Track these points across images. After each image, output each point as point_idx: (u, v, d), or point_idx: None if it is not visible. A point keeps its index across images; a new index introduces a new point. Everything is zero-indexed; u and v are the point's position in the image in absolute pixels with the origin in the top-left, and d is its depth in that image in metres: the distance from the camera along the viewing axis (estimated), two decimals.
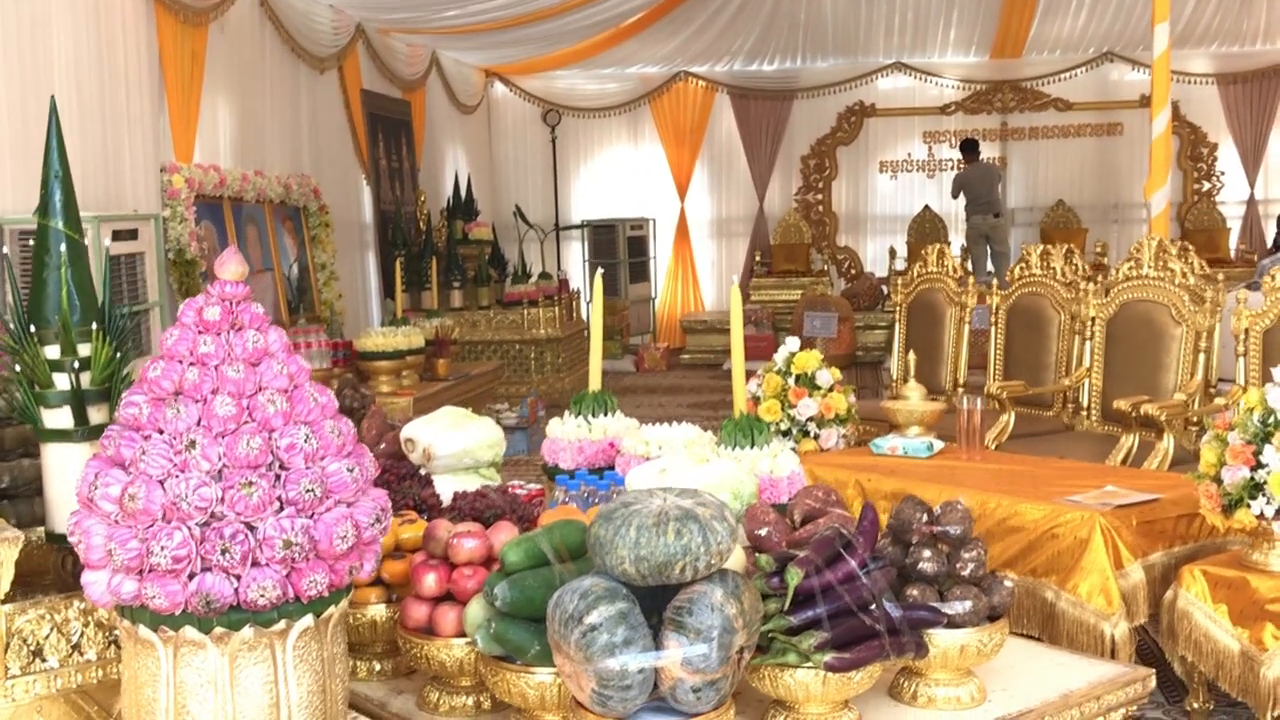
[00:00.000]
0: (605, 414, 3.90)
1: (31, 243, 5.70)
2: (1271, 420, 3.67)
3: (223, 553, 1.80)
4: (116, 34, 7.00)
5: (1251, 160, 14.95)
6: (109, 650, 2.17)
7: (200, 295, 1.93)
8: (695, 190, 15.84)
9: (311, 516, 1.86)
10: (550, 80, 15.62)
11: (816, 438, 5.09)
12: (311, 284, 9.63)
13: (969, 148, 13.84)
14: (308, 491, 1.85)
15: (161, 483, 1.81)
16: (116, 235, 6.31)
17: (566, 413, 3.93)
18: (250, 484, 1.81)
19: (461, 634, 2.61)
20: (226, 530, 1.80)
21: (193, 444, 1.82)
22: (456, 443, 3.70)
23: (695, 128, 15.64)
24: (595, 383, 3.98)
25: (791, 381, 5.13)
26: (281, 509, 1.84)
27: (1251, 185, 15.03)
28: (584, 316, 13.62)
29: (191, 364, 1.88)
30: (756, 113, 15.62)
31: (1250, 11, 13.72)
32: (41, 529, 2.33)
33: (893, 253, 15.04)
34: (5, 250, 2.78)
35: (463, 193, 12.76)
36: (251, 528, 1.82)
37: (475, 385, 9.31)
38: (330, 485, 1.88)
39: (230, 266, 1.93)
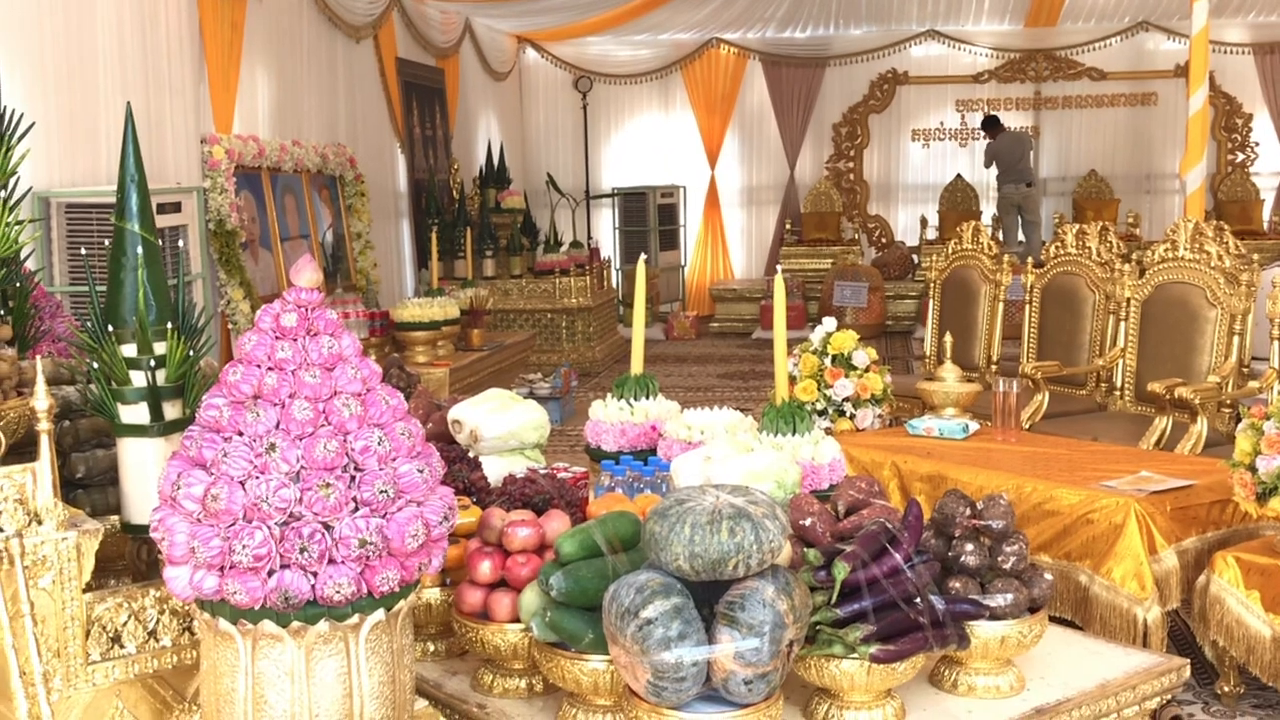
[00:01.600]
0: (647, 397, 3.97)
1: (77, 216, 5.80)
2: None
3: (301, 551, 1.88)
4: (158, 7, 7.07)
5: None
6: (183, 637, 2.26)
7: (277, 302, 2.00)
8: (726, 158, 15.84)
9: (384, 516, 1.93)
10: (582, 47, 15.61)
11: (852, 418, 5.15)
12: (347, 253, 9.72)
13: (990, 124, 13.81)
14: (381, 493, 1.92)
15: (242, 484, 1.89)
16: (160, 209, 6.39)
17: (609, 395, 4.00)
18: (327, 485, 1.89)
19: (515, 619, 2.69)
20: (305, 530, 1.88)
21: (272, 447, 1.90)
22: (503, 425, 3.78)
23: (727, 95, 15.62)
24: (637, 366, 4.05)
25: (828, 362, 5.18)
26: (356, 509, 1.92)
27: None
28: (614, 285, 13.68)
29: (270, 369, 1.95)
30: (788, 80, 15.58)
31: None
32: (115, 517, 2.41)
33: (924, 222, 15.02)
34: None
35: (495, 161, 12.81)
36: (328, 527, 1.90)
37: (509, 355, 9.40)
38: (402, 486, 1.96)
39: (305, 274, 2.00)
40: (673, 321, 14.04)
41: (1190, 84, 7.29)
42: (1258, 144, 15.00)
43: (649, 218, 14.79)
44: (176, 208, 6.71)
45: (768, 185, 15.99)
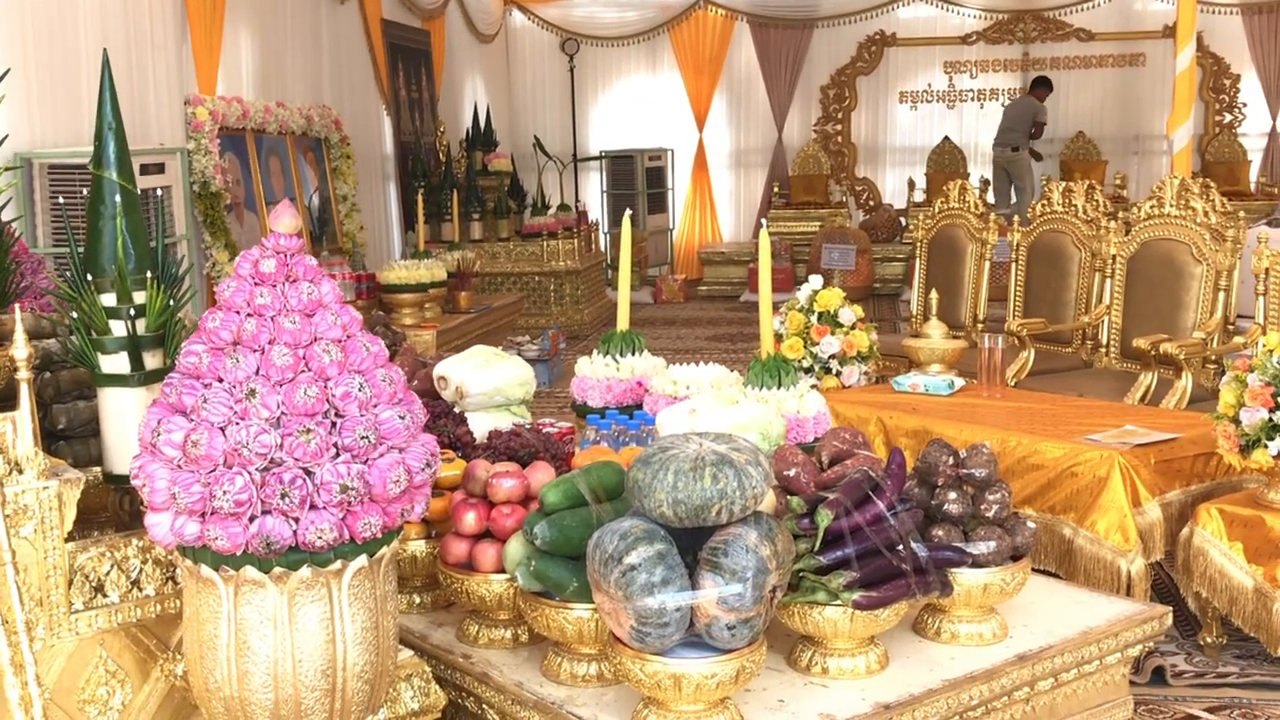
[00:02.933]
0: (633, 353, 3.96)
1: (59, 177, 5.76)
2: None
3: (282, 497, 1.88)
4: None
5: (1274, 92, 14.79)
6: (167, 586, 2.26)
7: (256, 248, 1.99)
8: (714, 121, 15.76)
9: (366, 462, 1.93)
10: (569, 9, 15.51)
11: (839, 374, 5.15)
12: (333, 215, 9.67)
13: (1038, 82, 13.81)
14: (362, 438, 1.92)
15: (223, 430, 1.89)
16: (144, 169, 6.36)
17: (595, 351, 4.00)
18: (308, 431, 1.89)
19: (500, 570, 2.70)
20: (286, 475, 1.88)
21: (253, 393, 1.89)
22: (488, 381, 3.78)
23: (714, 57, 15.53)
24: (623, 322, 4.04)
25: (814, 319, 5.18)
26: (337, 455, 1.92)
27: (1274, 117, 14.88)
28: (602, 248, 13.64)
29: (249, 315, 1.95)
30: (776, 42, 15.50)
31: None
32: (97, 469, 2.41)
33: (911, 184, 14.98)
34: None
35: (482, 124, 12.74)
36: (309, 473, 1.90)
37: (497, 317, 9.38)
38: (383, 432, 1.96)
39: (284, 220, 1.99)
40: (661, 285, 14.02)
41: (1178, 42, 7.27)
42: (1245, 105, 14.97)
43: (637, 181, 14.73)
44: (160, 169, 6.67)
45: (755, 148, 15.93)
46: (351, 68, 10.51)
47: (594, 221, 13.40)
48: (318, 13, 9.83)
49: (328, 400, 1.93)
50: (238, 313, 1.96)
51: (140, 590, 2.24)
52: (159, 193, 6.62)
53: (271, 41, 9.00)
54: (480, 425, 3.60)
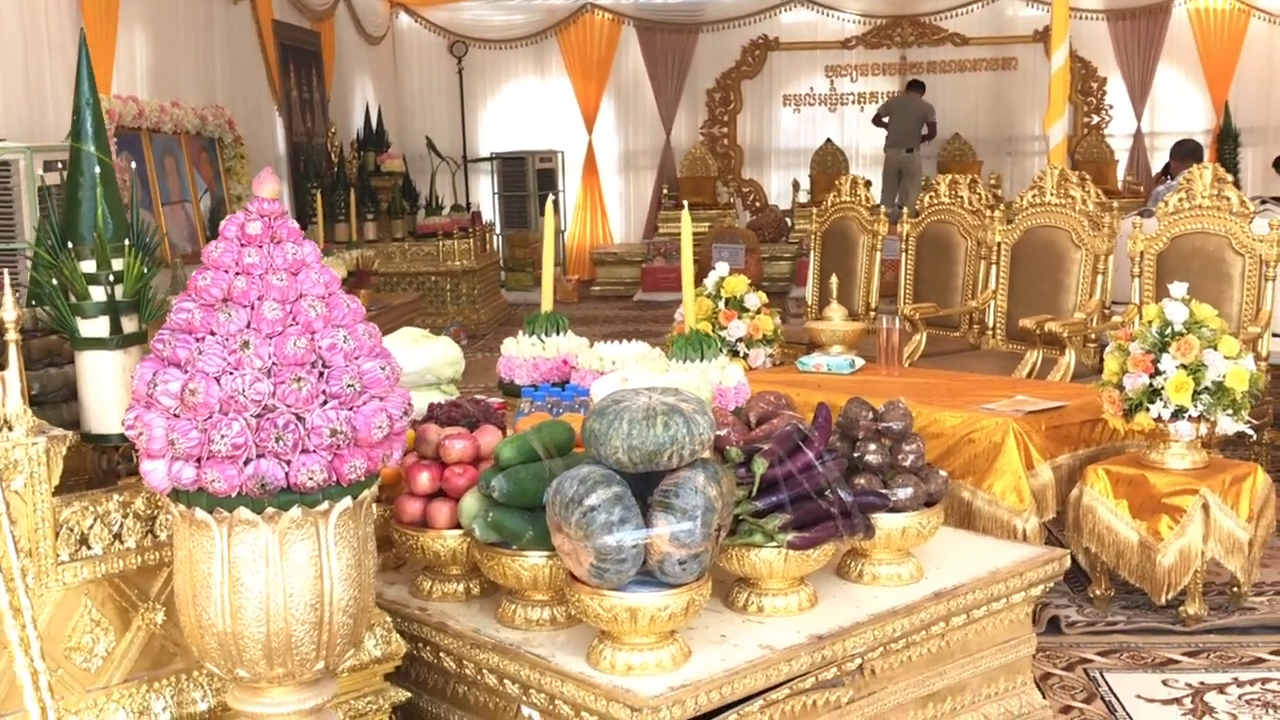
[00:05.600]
0: (558, 333, 4.13)
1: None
2: (1168, 331, 4.04)
3: (276, 440, 2.01)
4: None
5: (1139, 94, 15.50)
6: (146, 539, 2.37)
7: (240, 212, 2.13)
8: (603, 123, 15.98)
9: (352, 409, 2.08)
10: (456, 11, 15.59)
11: (745, 357, 5.37)
12: (227, 216, 9.63)
13: (916, 86, 14.23)
14: (348, 386, 2.07)
15: (218, 379, 2.02)
16: (46, 166, 6.34)
17: (520, 333, 4.15)
18: (299, 379, 2.03)
19: (453, 527, 2.85)
20: (280, 420, 2.01)
21: (246, 344, 2.03)
22: (418, 361, 3.90)
23: (602, 60, 15.74)
24: (547, 304, 4.21)
25: (721, 304, 5.40)
26: (326, 402, 2.06)
27: (1138, 118, 15.59)
28: (496, 249, 13.76)
29: (238, 273, 2.08)
30: (662, 45, 15.77)
31: None
32: (72, 433, 2.50)
33: (796, 185, 15.37)
34: None
35: (374, 125, 12.78)
36: (300, 418, 2.04)
37: (396, 316, 9.45)
38: (366, 381, 2.10)
39: (267, 185, 2.13)
40: (555, 285, 14.15)
41: (1053, 41, 7.67)
42: (1112, 107, 15.65)
43: (528, 182, 14.88)
44: (56, 166, 6.64)
45: (644, 150, 16.18)
46: (244, 68, 10.49)
47: (488, 223, 13.52)
48: (210, 12, 9.82)
49: (315, 351, 2.07)
50: (226, 271, 2.09)
51: (121, 543, 2.35)
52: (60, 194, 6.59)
53: (165, 41, 8.97)
54: (414, 403, 3.72)
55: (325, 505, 2.10)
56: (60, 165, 6.42)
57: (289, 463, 2.04)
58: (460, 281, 11.48)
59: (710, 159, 15.84)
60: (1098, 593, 4.33)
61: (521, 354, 4.09)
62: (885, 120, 14.23)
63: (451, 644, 2.74)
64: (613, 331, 11.82)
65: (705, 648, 2.59)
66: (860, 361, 5.27)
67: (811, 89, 16.07)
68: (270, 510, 2.06)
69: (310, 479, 2.04)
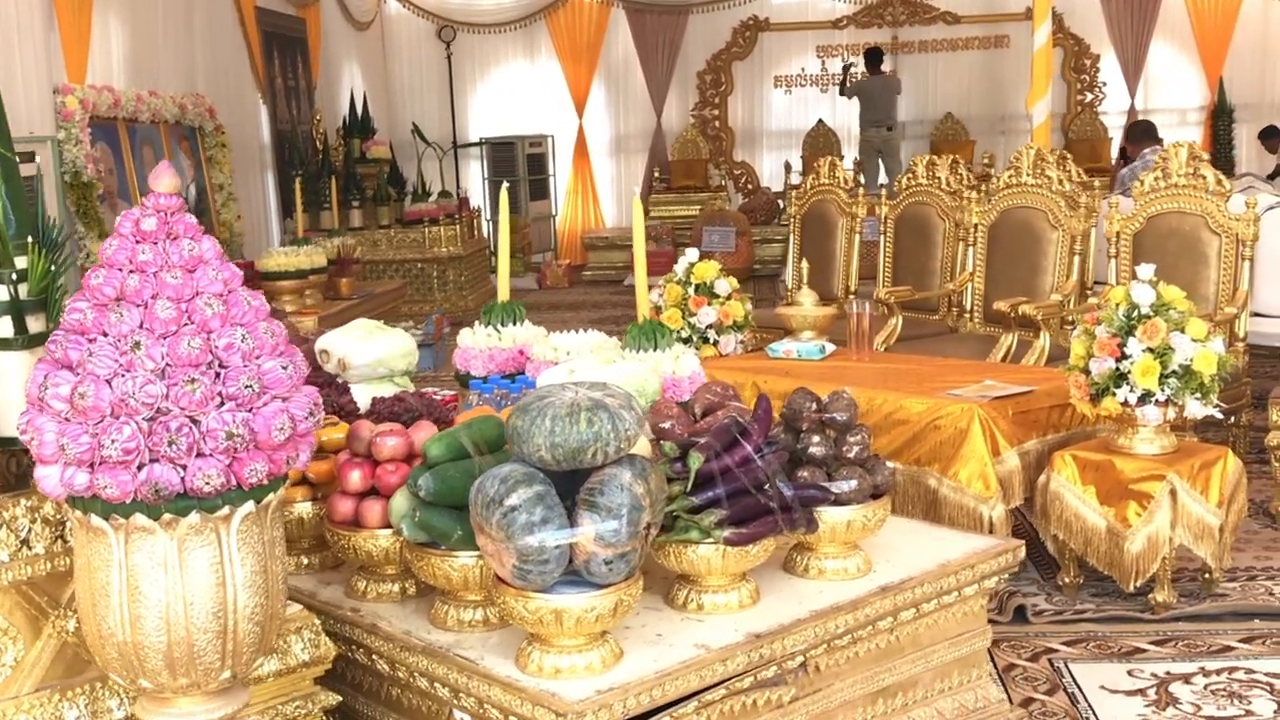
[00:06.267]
0: (514, 323, 4.06)
1: None
2: (1135, 315, 3.96)
3: (169, 444, 1.94)
4: None
5: (1132, 72, 15.37)
6: (55, 545, 2.31)
7: (136, 208, 2.06)
8: (593, 107, 15.89)
9: (250, 410, 2.01)
10: None
11: (716, 344, 5.31)
12: (210, 205, 9.59)
13: (874, 58, 14.11)
14: (246, 387, 2.00)
15: (109, 381, 1.95)
16: None
17: (476, 323, 4.08)
18: (193, 381, 1.96)
19: (386, 526, 2.79)
20: (172, 424, 1.94)
21: (137, 345, 1.96)
22: (371, 352, 3.84)
23: (592, 43, 15.65)
24: (504, 293, 4.13)
25: (691, 291, 5.33)
26: (223, 404, 1.99)
27: (1132, 95, 15.46)
28: (485, 234, 13.68)
29: (131, 271, 2.01)
30: (652, 28, 15.66)
31: None
32: None
33: (788, 167, 15.23)
34: None
35: (359, 111, 12.69)
36: (195, 421, 1.97)
37: (380, 303, 9.38)
38: (266, 381, 2.03)
39: (164, 179, 2.06)
40: (545, 270, 14.10)
41: (1035, 19, 7.57)
42: (1105, 84, 15.53)
43: (518, 167, 14.80)
44: (30, 158, 6.57)
45: (635, 134, 16.09)
46: (226, 56, 10.41)
47: (476, 208, 13.44)
48: (190, 1, 9.72)
49: (211, 352, 2.00)
50: (120, 270, 2.02)
51: (29, 549, 2.29)
52: (31, 186, 6.52)
53: (143, 29, 8.89)
54: (364, 396, 3.66)
55: (226, 510, 2.03)
56: (25, 157, 6.36)
57: (184, 467, 1.97)
58: (447, 268, 11.41)
59: (701, 141, 15.75)
60: (1066, 580, 4.26)
61: (477, 344, 4.01)
62: (857, 99, 14.13)
63: (383, 646, 2.68)
64: (602, 317, 11.77)
65: (640, 648, 2.53)
66: (831, 347, 5.20)
67: (803, 70, 15.96)
68: (167, 516, 1.99)
69: (207, 483, 1.98)
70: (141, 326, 1.98)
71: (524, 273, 14.10)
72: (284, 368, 2.06)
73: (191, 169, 9.42)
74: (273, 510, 2.12)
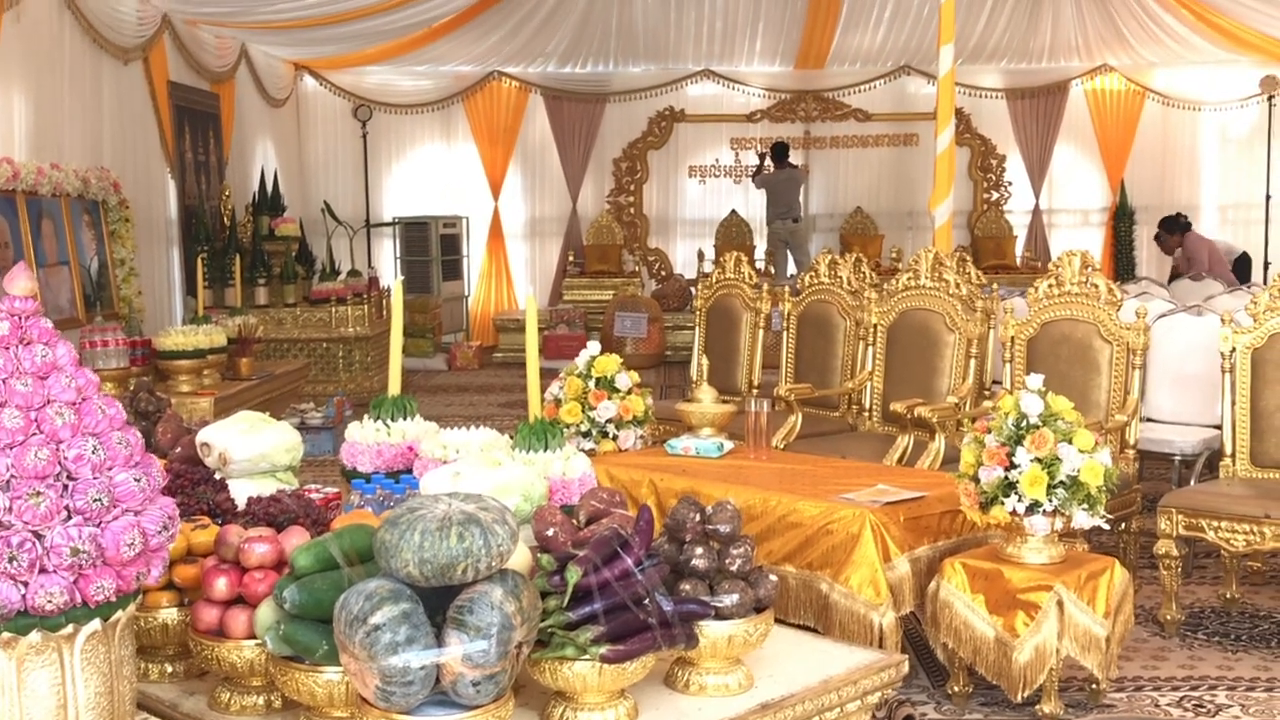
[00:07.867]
0: (405, 418, 3.99)
1: None
2: (1024, 424, 4.00)
3: (10, 560, 1.86)
4: None
5: (1037, 172, 15.80)
6: None
7: None
8: (509, 189, 15.93)
9: (99, 525, 1.93)
10: (361, 75, 15.50)
11: (615, 438, 5.27)
12: (110, 280, 9.40)
13: (780, 153, 14.35)
14: (95, 501, 1.92)
15: None
16: None
17: (366, 416, 4.01)
18: (38, 494, 1.88)
19: (252, 636, 2.68)
20: (14, 539, 1.86)
21: None
22: (253, 447, 3.74)
23: (509, 127, 15.73)
24: (395, 387, 4.07)
25: (592, 384, 5.30)
26: (69, 518, 1.91)
27: (1036, 195, 15.89)
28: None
29: None
30: (570, 114, 15.80)
31: (1036, 31, 14.53)
32: None
33: (701, 255, 15.38)
34: None
35: (269, 187, 12.59)
36: (39, 536, 1.89)
37: (280, 384, 9.22)
38: (118, 495, 1.96)
39: (20, 282, 1.99)
40: (456, 351, 14.02)
41: (938, 123, 7.72)
42: (1010, 184, 15.93)
43: (432, 247, 14.76)
44: None
45: (551, 217, 16.15)
46: (135, 130, 10.28)
47: (386, 288, 13.33)
48: (99, 73, 9.62)
49: (59, 463, 1.92)
50: None
51: None
52: None
53: (47, 101, 8.75)
54: (245, 492, 3.56)
55: (70, 629, 1.95)
56: None
57: (26, 584, 1.89)
58: (353, 348, 11.29)
59: (616, 227, 15.84)
60: (956, 689, 4.24)
61: (365, 439, 3.94)
62: (766, 191, 14.41)
63: None
64: (511, 400, 11.70)
65: None
66: (729, 444, 5.18)
67: (717, 160, 16.18)
68: (6, 635, 1.90)
69: (49, 601, 1.89)
70: None
71: (434, 353, 14.00)
72: (137, 480, 1.99)
73: (93, 243, 9.25)
74: (121, 628, 2.04)
